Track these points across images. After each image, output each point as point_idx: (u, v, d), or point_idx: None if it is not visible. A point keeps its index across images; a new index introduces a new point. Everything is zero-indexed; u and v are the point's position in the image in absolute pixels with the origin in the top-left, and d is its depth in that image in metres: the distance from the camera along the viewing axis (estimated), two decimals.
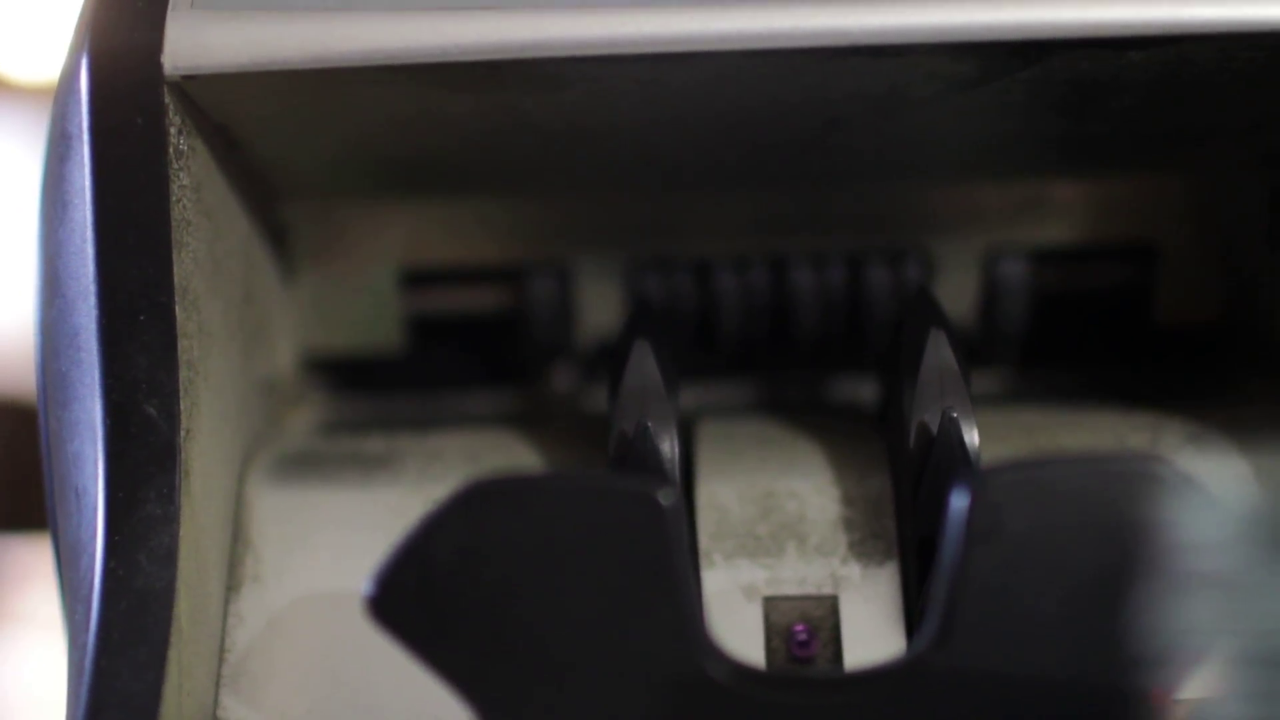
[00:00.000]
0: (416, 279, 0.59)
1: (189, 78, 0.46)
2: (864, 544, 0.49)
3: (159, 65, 0.46)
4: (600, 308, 0.60)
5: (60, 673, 0.47)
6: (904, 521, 0.49)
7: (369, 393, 0.60)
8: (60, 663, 0.47)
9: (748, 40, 0.45)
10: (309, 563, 0.50)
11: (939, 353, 0.48)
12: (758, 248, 0.59)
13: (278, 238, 0.57)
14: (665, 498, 0.41)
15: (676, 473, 0.48)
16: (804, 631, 0.48)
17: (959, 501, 0.41)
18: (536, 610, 0.41)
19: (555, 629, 0.41)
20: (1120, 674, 0.40)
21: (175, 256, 0.46)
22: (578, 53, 0.45)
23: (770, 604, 0.48)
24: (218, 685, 0.48)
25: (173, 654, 0.44)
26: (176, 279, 0.46)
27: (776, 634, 0.48)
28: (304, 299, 0.59)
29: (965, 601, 0.41)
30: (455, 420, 0.57)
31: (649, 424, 0.48)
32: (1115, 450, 0.50)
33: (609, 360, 0.52)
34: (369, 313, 0.60)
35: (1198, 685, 0.39)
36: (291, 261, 0.58)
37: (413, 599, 0.40)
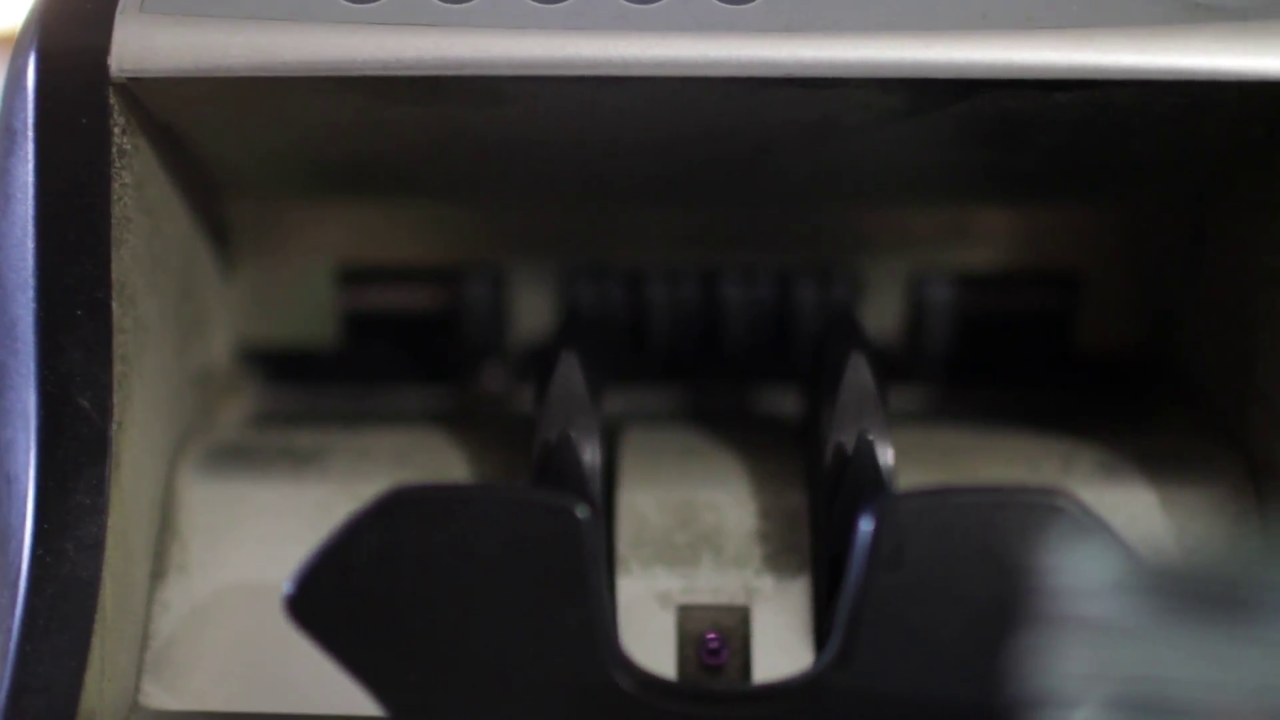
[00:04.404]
0: (354, 276, 0.60)
1: (135, 79, 0.46)
2: (778, 557, 0.50)
3: (105, 66, 0.46)
4: (533, 312, 0.61)
5: None
6: (818, 537, 0.50)
7: (303, 385, 0.61)
8: None
9: (682, 68, 0.46)
10: (235, 554, 0.50)
11: (858, 375, 0.49)
12: (690, 260, 0.60)
13: (219, 233, 0.58)
14: (581, 512, 0.42)
15: (598, 482, 0.49)
16: (715, 640, 0.49)
17: (865, 526, 0.42)
18: (452, 617, 0.42)
19: (470, 637, 0.42)
20: (1009, 702, 0.41)
21: (114, 254, 0.47)
22: (516, 72, 0.46)
23: (684, 612, 0.49)
24: (140, 671, 0.49)
25: (96, 641, 0.45)
26: (115, 276, 0.47)
27: (689, 642, 0.49)
28: (242, 292, 0.60)
29: (866, 623, 0.42)
30: (387, 415, 0.58)
31: (571, 434, 0.49)
32: (1020, 484, 0.51)
33: (537, 367, 0.52)
34: (306, 307, 0.60)
35: None
36: (231, 256, 0.59)
37: (330, 601, 0.41)
